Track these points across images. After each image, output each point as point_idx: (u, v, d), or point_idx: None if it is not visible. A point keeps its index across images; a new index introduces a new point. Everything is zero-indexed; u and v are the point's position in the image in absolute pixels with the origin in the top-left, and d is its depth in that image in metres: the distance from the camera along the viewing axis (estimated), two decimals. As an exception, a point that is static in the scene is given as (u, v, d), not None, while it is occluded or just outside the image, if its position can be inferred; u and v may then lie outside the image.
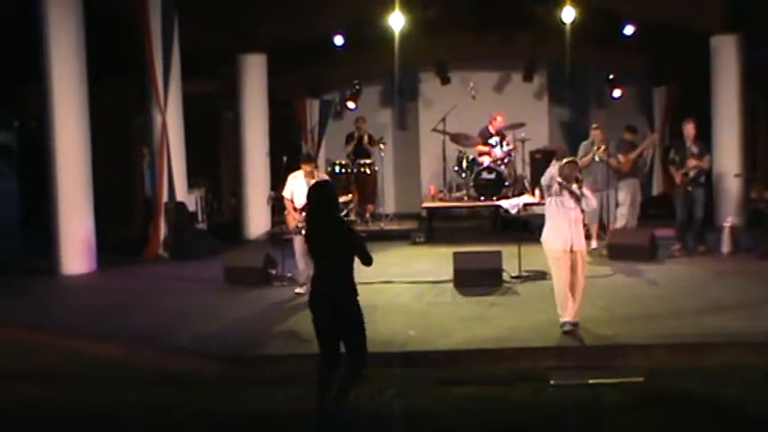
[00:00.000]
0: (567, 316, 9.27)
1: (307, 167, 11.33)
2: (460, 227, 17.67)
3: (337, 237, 7.00)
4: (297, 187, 11.32)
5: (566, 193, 9.24)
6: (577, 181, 9.24)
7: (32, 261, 14.28)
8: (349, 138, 18.12)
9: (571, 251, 9.22)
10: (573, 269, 9.26)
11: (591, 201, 9.37)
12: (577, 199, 9.24)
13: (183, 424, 7.57)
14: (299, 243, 11.38)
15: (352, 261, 7.03)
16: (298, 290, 11.54)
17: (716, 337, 9.02)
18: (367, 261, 7.05)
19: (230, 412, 7.69)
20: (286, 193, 11.50)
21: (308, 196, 7.22)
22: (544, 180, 9.48)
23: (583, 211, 9.35)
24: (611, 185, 14.43)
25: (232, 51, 17.14)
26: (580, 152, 14.56)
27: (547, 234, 9.40)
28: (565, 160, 9.43)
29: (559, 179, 9.23)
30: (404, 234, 16.54)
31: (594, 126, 14.76)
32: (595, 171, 14.26)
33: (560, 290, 9.31)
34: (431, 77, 20.02)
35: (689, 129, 13.61)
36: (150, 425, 7.54)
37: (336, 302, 6.94)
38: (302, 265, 11.47)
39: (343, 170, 17.36)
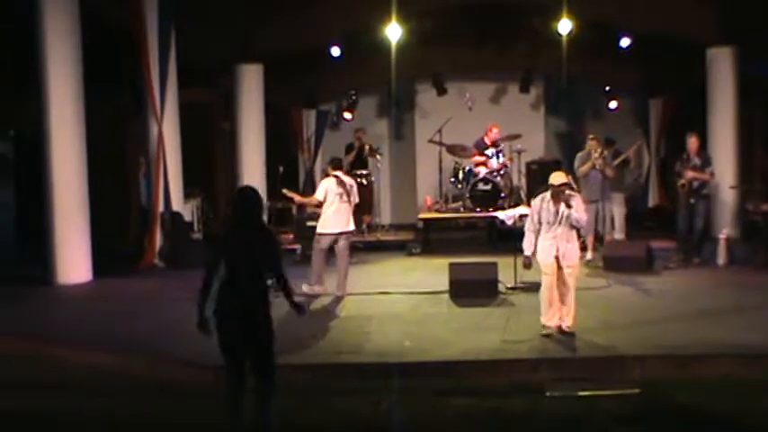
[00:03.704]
0: (547, 321, 9.66)
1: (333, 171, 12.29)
2: (456, 238, 17.68)
3: (257, 240, 6.81)
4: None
5: (552, 218, 9.51)
6: (567, 203, 9.38)
7: (28, 271, 14.21)
8: (349, 148, 18.13)
9: (558, 264, 9.53)
10: (562, 280, 9.56)
11: (580, 218, 9.52)
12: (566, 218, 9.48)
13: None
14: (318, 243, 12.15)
15: (268, 272, 6.93)
16: (315, 289, 12.10)
17: (712, 349, 9.04)
18: (278, 272, 6.97)
19: (225, 421, 7.66)
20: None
21: (234, 198, 7.10)
22: (530, 216, 9.83)
23: (573, 226, 9.57)
24: (607, 196, 14.50)
25: (229, 61, 17.16)
26: (576, 163, 14.65)
27: (538, 250, 9.70)
28: (553, 180, 9.54)
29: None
30: (400, 245, 16.59)
31: (591, 137, 14.89)
32: (592, 182, 14.32)
33: (543, 294, 9.70)
34: (427, 88, 20.09)
35: (692, 142, 13.75)
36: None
37: (251, 317, 6.77)
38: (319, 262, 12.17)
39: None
